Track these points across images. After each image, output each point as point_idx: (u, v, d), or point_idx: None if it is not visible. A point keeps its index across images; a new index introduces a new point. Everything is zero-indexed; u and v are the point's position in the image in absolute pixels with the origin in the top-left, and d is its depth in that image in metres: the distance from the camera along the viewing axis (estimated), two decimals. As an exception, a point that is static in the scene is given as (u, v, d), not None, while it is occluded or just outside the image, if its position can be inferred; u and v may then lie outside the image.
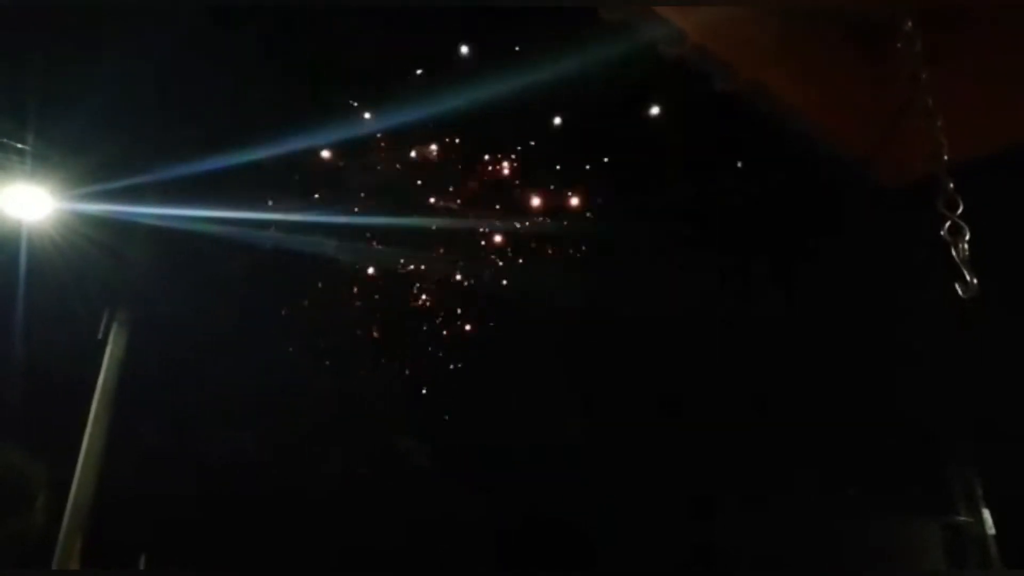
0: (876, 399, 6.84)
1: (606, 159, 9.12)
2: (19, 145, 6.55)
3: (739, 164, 7.92)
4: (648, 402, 9.05)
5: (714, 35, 3.00)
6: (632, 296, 9.10)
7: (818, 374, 7.55)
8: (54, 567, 6.68)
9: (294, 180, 8.68)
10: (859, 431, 6.93)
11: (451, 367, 9.86)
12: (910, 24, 2.01)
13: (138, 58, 6.73)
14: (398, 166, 8.96)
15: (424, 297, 9.70)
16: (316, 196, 8.86)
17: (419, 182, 9.09)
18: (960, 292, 1.89)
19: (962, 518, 4.85)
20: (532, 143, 8.83)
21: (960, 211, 1.91)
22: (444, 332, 9.83)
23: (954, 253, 1.86)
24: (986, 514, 4.75)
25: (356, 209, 8.94)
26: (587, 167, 9.18)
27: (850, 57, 3.34)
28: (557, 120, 8.52)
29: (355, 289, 9.48)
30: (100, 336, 7.08)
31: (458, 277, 9.61)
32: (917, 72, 1.99)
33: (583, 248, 9.40)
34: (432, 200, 9.12)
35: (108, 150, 6.90)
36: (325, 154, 8.56)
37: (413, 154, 8.87)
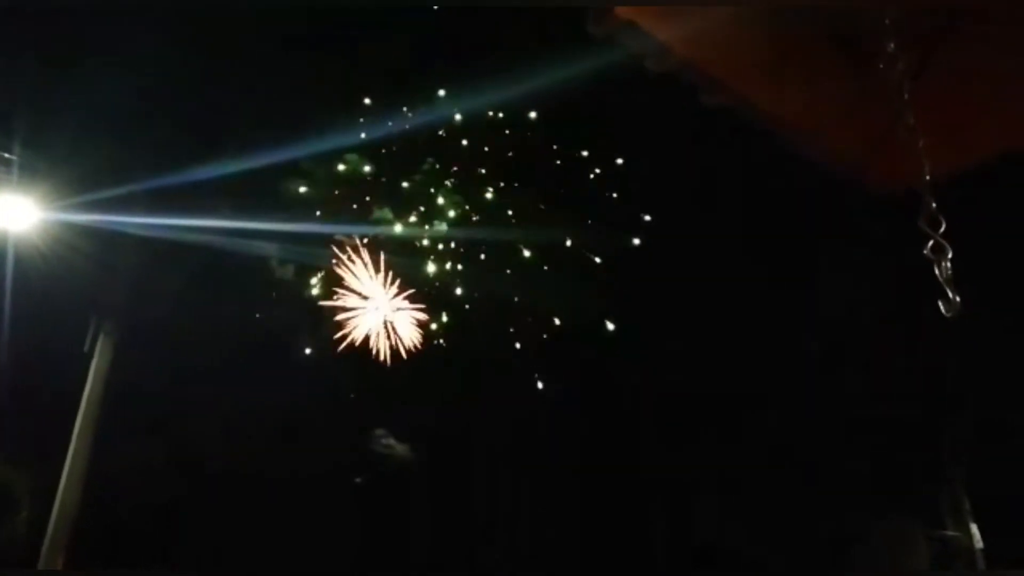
0: (864, 407, 6.87)
1: (591, 168, 9.17)
2: (5, 155, 6.51)
3: (728, 174, 7.97)
4: (639, 405, 9.07)
5: (701, 50, 3.01)
6: (622, 304, 9.14)
7: (805, 384, 7.58)
8: (36, 580, 6.60)
9: (282, 190, 8.67)
10: (845, 440, 6.95)
11: (438, 369, 9.85)
12: (892, 46, 2.02)
13: (124, 67, 6.71)
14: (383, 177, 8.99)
15: (408, 302, 9.69)
16: (304, 206, 8.84)
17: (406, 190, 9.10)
18: (943, 311, 1.88)
19: (950, 532, 4.84)
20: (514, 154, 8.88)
21: (943, 230, 1.91)
22: (426, 336, 9.83)
23: (937, 272, 1.86)
24: (974, 528, 4.74)
25: (346, 218, 8.94)
26: (573, 176, 9.22)
27: (838, 69, 3.36)
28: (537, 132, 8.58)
29: (342, 296, 9.45)
30: (86, 348, 7.02)
31: (437, 283, 9.63)
32: (900, 92, 2.00)
33: (572, 257, 9.42)
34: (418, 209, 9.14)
35: (95, 160, 6.86)
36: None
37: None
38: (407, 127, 8.12)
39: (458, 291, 9.32)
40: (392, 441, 9.74)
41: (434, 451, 9.71)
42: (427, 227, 9.04)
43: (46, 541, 6.65)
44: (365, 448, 9.59)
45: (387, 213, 8.73)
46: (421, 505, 9.49)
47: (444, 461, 9.66)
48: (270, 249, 8.59)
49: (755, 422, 8.05)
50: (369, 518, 9.16)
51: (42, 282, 7.13)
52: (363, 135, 8.21)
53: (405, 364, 9.46)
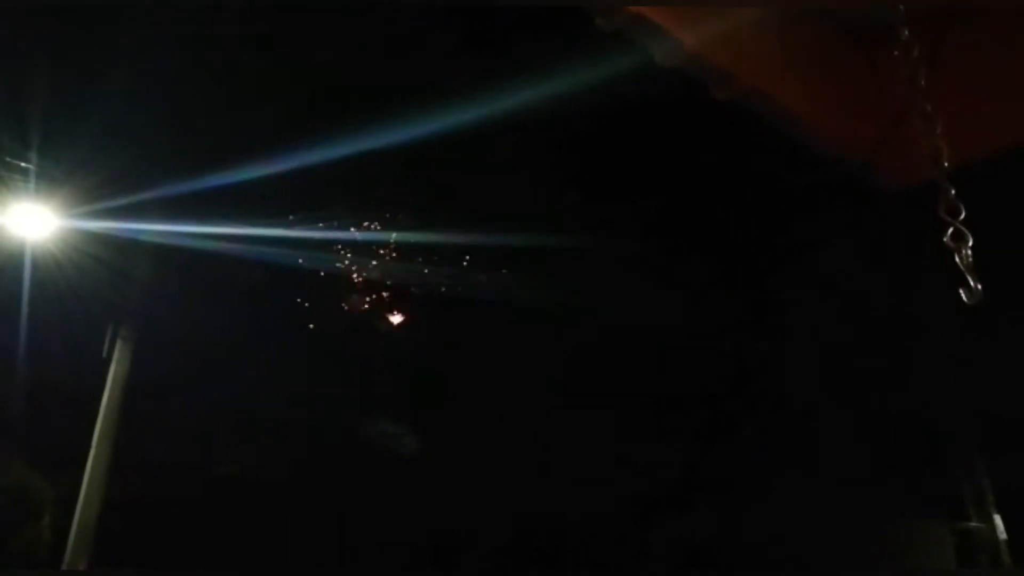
0: (885, 403, 6.81)
1: (607, 164, 9.14)
2: (23, 164, 6.59)
3: (743, 169, 7.93)
4: (664, 408, 9.04)
5: (712, 45, 2.99)
6: (635, 298, 9.12)
7: (828, 378, 7.52)
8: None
9: (294, 196, 8.74)
10: (869, 435, 6.90)
11: (444, 375, 9.90)
12: (907, 32, 2.00)
13: (139, 78, 6.78)
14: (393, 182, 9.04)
15: (412, 307, 9.76)
16: (316, 211, 8.91)
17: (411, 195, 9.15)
18: (965, 299, 1.86)
19: (973, 523, 4.79)
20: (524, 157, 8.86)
21: (962, 217, 1.88)
22: (435, 340, 9.89)
23: (957, 260, 1.83)
24: (997, 519, 4.69)
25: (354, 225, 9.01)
26: (588, 171, 9.20)
27: (849, 62, 3.33)
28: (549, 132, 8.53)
29: (354, 302, 9.52)
30: (104, 353, 7.08)
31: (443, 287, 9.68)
32: (915, 79, 1.98)
33: (588, 255, 9.41)
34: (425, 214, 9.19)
35: (110, 168, 6.93)
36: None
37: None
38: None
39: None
40: (396, 436, 9.81)
41: (437, 446, 9.77)
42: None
43: (69, 544, 6.71)
44: (373, 445, 9.66)
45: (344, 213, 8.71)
46: (425, 499, 9.52)
47: (446, 455, 9.71)
48: (285, 255, 8.66)
49: (771, 420, 8.01)
50: (380, 516, 9.21)
51: (60, 290, 7.22)
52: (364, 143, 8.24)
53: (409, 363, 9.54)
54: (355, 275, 9.56)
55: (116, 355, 7.17)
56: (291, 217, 8.72)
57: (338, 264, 9.38)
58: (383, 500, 9.51)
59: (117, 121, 6.94)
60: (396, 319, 9.80)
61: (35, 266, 6.98)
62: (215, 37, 6.80)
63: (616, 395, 9.29)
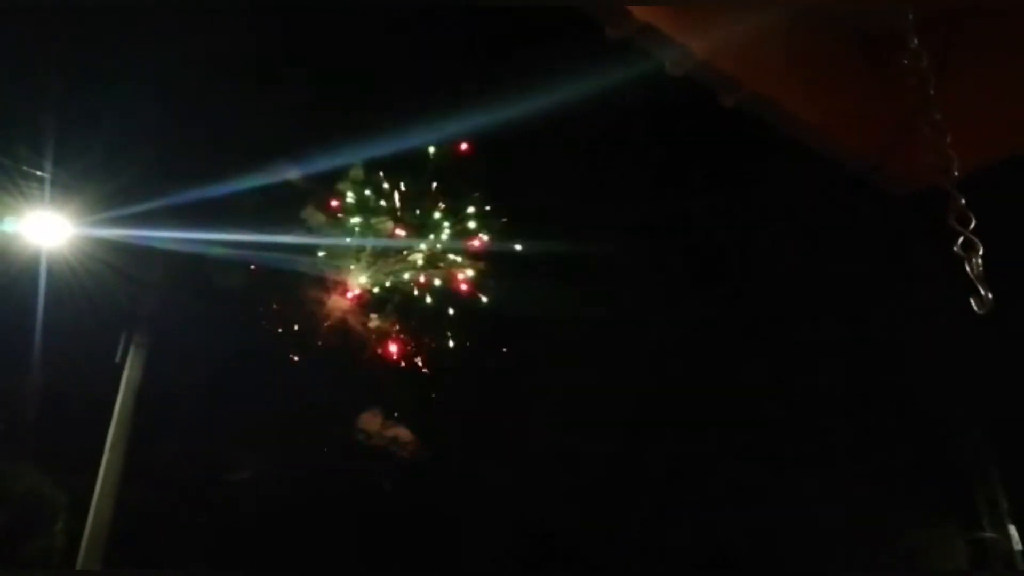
0: (896, 409, 6.76)
1: (611, 174, 9.15)
2: (38, 173, 6.67)
3: (745, 174, 7.91)
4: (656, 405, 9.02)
5: (720, 52, 2.99)
6: (635, 300, 9.11)
7: (842, 385, 7.47)
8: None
9: (306, 204, 8.79)
10: (880, 442, 6.84)
11: (454, 380, 9.93)
12: (916, 41, 2.00)
13: (154, 87, 6.86)
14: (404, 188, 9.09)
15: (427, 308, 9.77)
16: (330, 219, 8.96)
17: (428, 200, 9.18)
18: (975, 308, 1.85)
19: (988, 534, 4.73)
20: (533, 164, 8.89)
21: (972, 226, 1.87)
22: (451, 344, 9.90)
23: (968, 269, 1.82)
24: (1012, 530, 4.63)
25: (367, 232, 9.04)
26: (593, 182, 9.21)
27: (857, 68, 3.33)
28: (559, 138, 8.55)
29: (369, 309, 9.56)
30: (118, 359, 7.14)
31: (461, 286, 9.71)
32: (924, 88, 1.97)
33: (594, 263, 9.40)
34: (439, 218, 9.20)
35: (125, 176, 7.01)
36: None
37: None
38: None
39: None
40: (401, 438, 9.83)
41: (439, 448, 9.78)
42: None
43: (82, 549, 6.75)
44: (380, 451, 9.69)
45: (318, 215, 8.76)
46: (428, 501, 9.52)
47: (450, 457, 9.71)
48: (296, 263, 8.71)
49: (780, 427, 7.96)
50: (384, 518, 9.23)
51: (74, 296, 7.29)
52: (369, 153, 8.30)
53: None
54: (370, 283, 9.60)
55: (129, 361, 7.23)
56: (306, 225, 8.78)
57: (350, 271, 9.42)
58: (387, 502, 9.53)
59: (131, 130, 7.03)
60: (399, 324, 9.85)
61: (50, 273, 7.06)
62: (229, 47, 6.87)
63: (617, 396, 9.28)
